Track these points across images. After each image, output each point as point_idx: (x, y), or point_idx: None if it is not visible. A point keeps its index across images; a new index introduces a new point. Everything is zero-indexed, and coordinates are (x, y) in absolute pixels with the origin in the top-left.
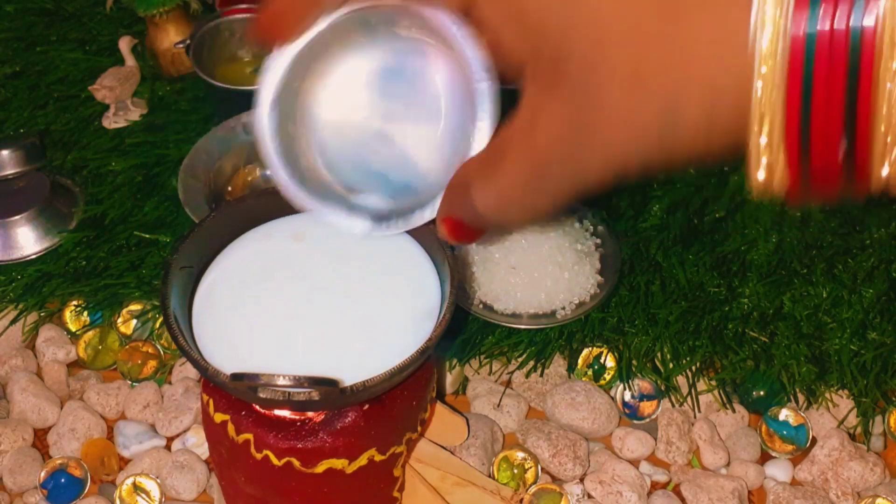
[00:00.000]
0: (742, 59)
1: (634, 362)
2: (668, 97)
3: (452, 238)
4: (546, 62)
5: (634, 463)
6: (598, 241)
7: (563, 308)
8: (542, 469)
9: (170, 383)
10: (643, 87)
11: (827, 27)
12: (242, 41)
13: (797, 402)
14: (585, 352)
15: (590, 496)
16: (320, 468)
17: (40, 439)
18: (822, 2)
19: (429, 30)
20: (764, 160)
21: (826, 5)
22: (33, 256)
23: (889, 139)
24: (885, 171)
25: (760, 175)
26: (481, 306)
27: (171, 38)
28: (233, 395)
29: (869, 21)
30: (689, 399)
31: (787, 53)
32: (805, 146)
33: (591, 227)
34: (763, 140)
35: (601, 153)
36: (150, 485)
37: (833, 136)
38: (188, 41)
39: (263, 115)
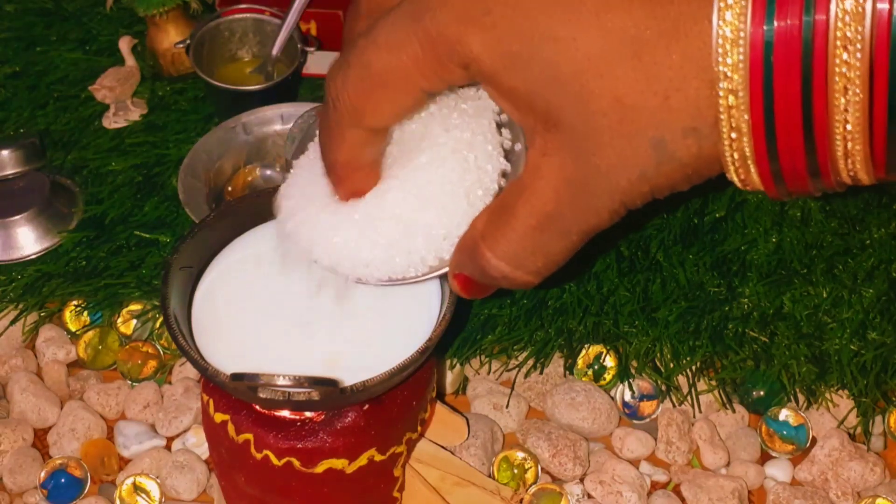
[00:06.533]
0: (712, 83)
1: (634, 362)
2: (656, 129)
3: (464, 293)
4: (539, 122)
5: (634, 463)
6: (507, 167)
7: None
8: (542, 469)
9: (170, 383)
10: (631, 124)
11: (783, 25)
12: (242, 41)
13: (797, 402)
14: (585, 352)
15: (590, 496)
16: (320, 468)
17: (40, 439)
18: (776, 13)
19: None
20: (737, 168)
21: (780, 10)
22: (33, 256)
23: (849, 146)
24: (845, 174)
25: (736, 179)
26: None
27: (171, 38)
28: (233, 395)
29: (821, 16)
30: (689, 399)
31: (748, 66)
32: (773, 156)
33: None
34: (735, 155)
35: (607, 191)
36: (151, 485)
37: (796, 148)
38: (188, 41)
39: None
